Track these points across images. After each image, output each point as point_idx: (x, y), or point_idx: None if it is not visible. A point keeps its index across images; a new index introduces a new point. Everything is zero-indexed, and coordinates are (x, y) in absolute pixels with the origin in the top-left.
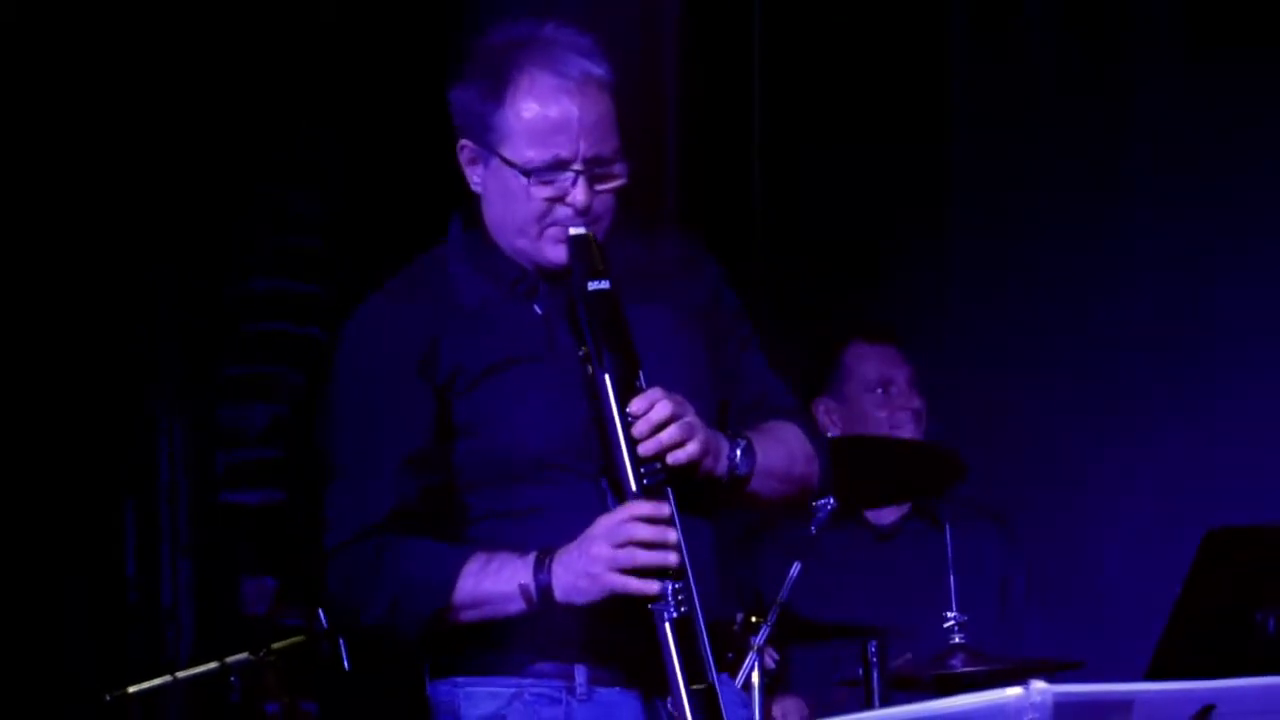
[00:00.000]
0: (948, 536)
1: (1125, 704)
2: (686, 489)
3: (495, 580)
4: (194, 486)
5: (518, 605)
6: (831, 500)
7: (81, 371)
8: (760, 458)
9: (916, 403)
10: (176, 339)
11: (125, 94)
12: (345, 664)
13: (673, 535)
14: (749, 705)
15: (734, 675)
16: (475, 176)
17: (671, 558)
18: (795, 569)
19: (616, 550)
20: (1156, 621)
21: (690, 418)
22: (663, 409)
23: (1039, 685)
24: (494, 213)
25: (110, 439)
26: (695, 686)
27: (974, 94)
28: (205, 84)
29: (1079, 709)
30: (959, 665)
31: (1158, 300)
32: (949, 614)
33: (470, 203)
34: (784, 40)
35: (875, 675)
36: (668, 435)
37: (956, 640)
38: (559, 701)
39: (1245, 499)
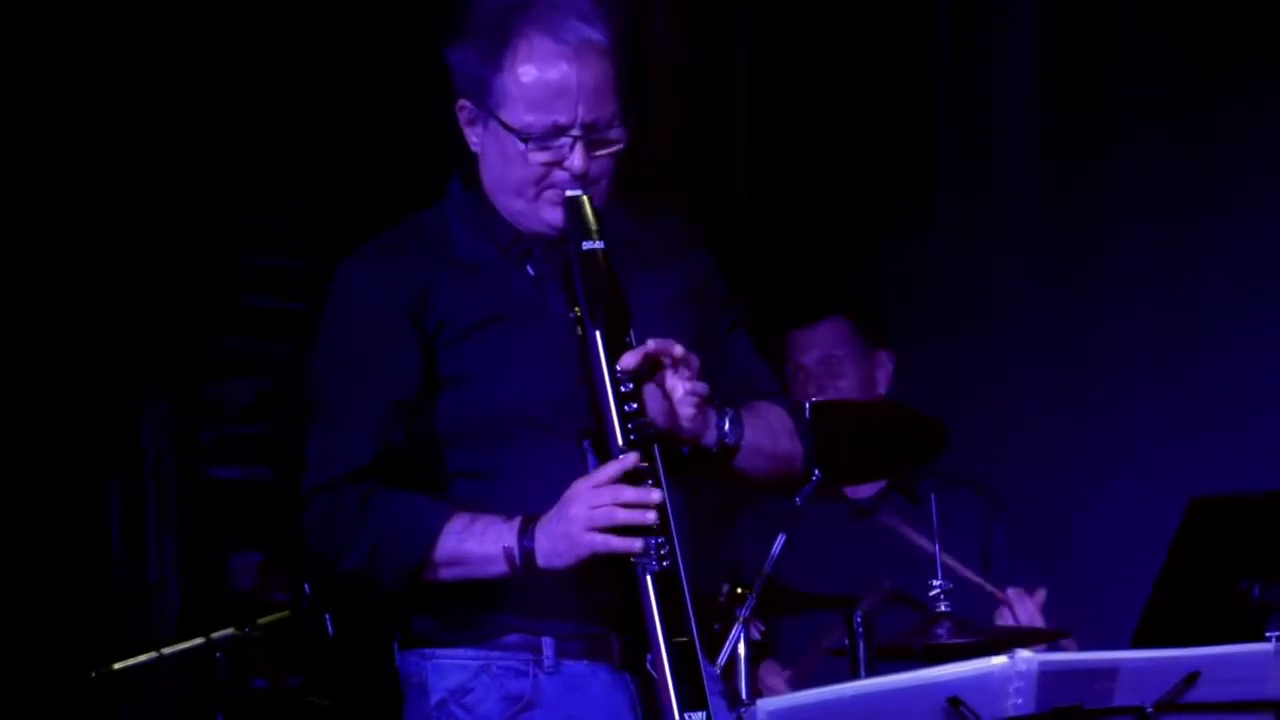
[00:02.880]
0: (932, 505)
1: (1110, 672)
2: (673, 459)
3: (479, 541)
4: (180, 462)
5: (499, 568)
6: (817, 471)
7: (67, 348)
8: (748, 432)
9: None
10: (162, 315)
11: (114, 72)
12: (329, 630)
13: (654, 493)
14: (719, 681)
15: (720, 647)
16: (474, 137)
17: (650, 515)
18: (779, 541)
19: (594, 511)
20: (1141, 590)
21: None
22: (660, 346)
23: (1025, 654)
24: (492, 174)
25: (96, 415)
26: (676, 640)
27: (957, 65)
28: (196, 61)
29: (1064, 677)
30: (945, 635)
31: (1138, 272)
32: (934, 582)
33: (469, 163)
34: (769, 21)
35: (861, 645)
36: (683, 357)
37: (942, 609)
38: (526, 674)
39: (1228, 467)
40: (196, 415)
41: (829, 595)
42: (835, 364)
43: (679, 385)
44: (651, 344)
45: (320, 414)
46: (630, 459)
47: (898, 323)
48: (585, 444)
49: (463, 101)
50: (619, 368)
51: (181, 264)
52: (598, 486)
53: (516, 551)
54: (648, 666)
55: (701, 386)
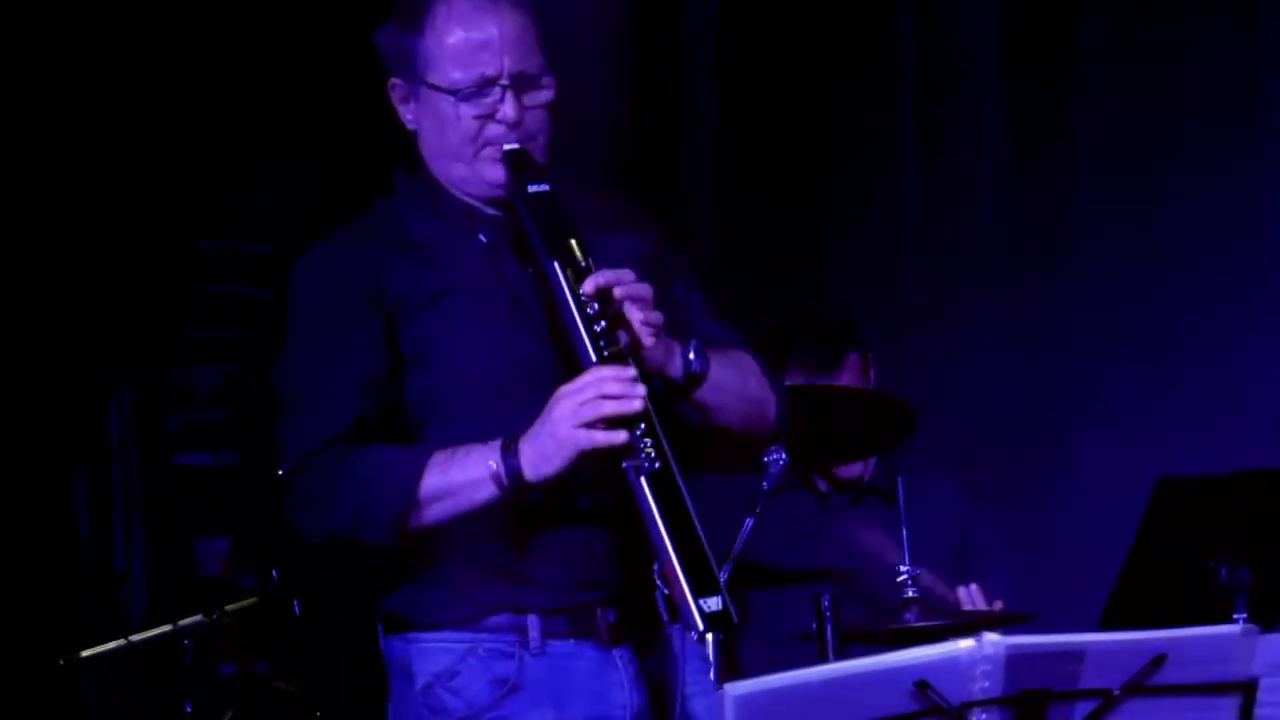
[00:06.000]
0: (900, 490)
1: (1078, 655)
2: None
3: (463, 468)
4: (145, 449)
5: (487, 491)
6: (783, 455)
7: (31, 335)
8: (714, 366)
9: None
10: (127, 301)
11: (87, 63)
12: (297, 616)
13: (630, 371)
14: (705, 659)
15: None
16: (408, 114)
17: (636, 403)
18: (748, 524)
19: (579, 406)
20: (1109, 572)
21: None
22: (615, 274)
23: (992, 637)
24: (430, 144)
25: (62, 402)
26: (681, 533)
27: (920, 66)
28: (162, 53)
29: (1032, 660)
30: (912, 619)
31: (1108, 252)
32: (902, 568)
33: (409, 151)
34: (728, 13)
35: (829, 629)
36: (635, 288)
37: (910, 594)
38: (512, 656)
39: (1197, 449)
40: (162, 401)
41: (797, 578)
42: None
43: (635, 315)
44: (603, 275)
45: (291, 401)
46: (612, 367)
47: (866, 314)
48: None
49: (394, 80)
50: (582, 292)
51: (144, 250)
52: (583, 384)
53: (503, 470)
54: (654, 577)
55: (656, 316)
